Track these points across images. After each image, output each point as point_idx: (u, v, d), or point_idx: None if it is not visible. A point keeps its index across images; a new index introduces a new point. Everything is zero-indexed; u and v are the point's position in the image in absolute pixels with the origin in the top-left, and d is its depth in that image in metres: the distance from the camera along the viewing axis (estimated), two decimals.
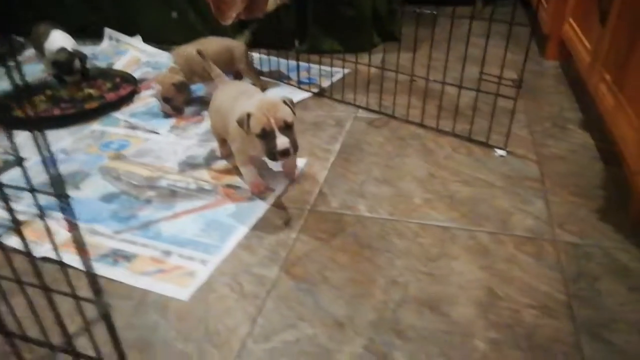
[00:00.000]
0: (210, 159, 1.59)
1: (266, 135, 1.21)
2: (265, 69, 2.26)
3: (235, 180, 1.48)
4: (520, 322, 0.99)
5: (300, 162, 1.56)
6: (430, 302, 1.04)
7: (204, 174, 1.51)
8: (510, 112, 1.54)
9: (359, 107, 1.92)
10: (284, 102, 1.26)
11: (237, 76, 2.04)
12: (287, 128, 1.22)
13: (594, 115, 1.79)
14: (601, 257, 1.14)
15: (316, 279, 1.11)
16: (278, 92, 2.02)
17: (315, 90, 2.07)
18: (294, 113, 1.26)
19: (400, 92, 1.86)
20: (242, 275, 1.12)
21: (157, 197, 1.41)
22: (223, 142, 1.55)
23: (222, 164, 1.57)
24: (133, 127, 1.83)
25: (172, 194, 1.42)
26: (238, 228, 1.27)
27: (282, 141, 1.20)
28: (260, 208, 1.35)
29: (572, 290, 1.06)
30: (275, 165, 1.50)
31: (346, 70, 2.15)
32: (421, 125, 1.76)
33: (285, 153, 1.21)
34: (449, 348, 0.94)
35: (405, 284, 1.09)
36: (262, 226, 1.29)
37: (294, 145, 1.23)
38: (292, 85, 2.14)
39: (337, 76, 2.17)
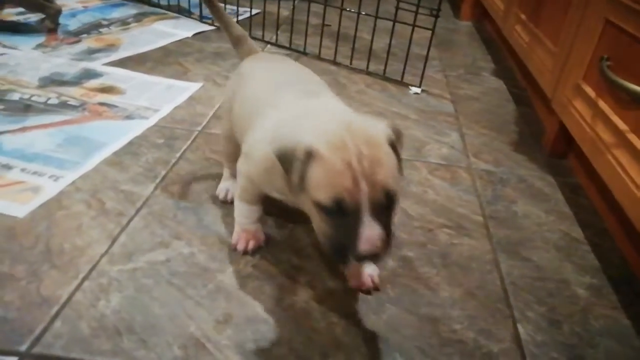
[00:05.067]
0: (83, 78, 1.32)
1: (341, 213, 0.55)
2: (163, 2, 1.99)
3: (111, 99, 1.22)
4: (435, 241, 0.86)
5: (196, 86, 1.34)
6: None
7: (71, 91, 1.24)
8: (425, 58, 1.44)
9: (267, 42, 1.73)
10: (391, 143, 0.58)
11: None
12: (386, 205, 0.56)
13: (506, 66, 1.76)
14: (517, 183, 1.06)
15: (202, 199, 0.91)
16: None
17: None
18: (399, 164, 0.59)
19: (312, 34, 1.70)
20: (105, 192, 0.89)
21: (4, 110, 1.12)
22: (234, 151, 0.83)
23: (97, 82, 1.30)
24: None
25: (25, 108, 1.14)
26: (107, 145, 1.03)
27: (371, 234, 0.54)
28: (139, 127, 1.11)
29: (489, 212, 0.96)
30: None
31: (255, 11, 1.95)
32: (334, 62, 1.61)
33: (371, 259, 0.57)
34: None
35: None
36: (139, 144, 1.05)
37: (390, 240, 0.57)
38: (193, 18, 1.90)
39: (246, 15, 1.96)
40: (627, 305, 0.77)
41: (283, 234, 0.84)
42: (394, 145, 0.58)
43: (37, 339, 0.61)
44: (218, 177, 0.95)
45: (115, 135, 1.07)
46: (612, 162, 0.82)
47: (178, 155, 1.03)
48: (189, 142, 1.08)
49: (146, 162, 0.99)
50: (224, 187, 0.92)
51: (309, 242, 0.83)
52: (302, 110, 0.64)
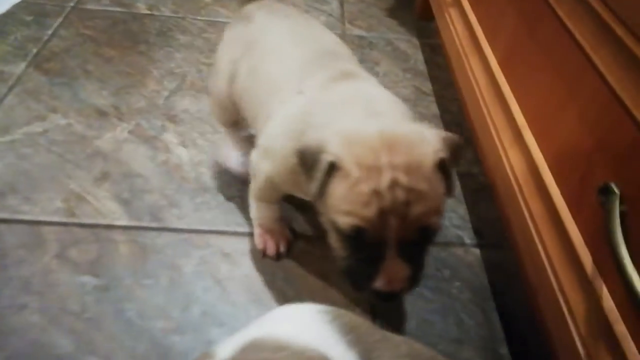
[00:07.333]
0: None
1: (361, 241, 0.47)
2: None
3: None
4: None
5: None
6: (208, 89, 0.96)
7: None
8: None
9: None
10: (441, 162, 0.47)
11: None
12: (420, 241, 0.48)
13: None
14: (384, 46, 1.17)
15: (76, 74, 0.94)
16: None
17: None
18: (450, 187, 0.48)
19: None
20: None
21: None
22: (231, 117, 0.76)
23: None
24: None
25: None
26: None
27: (392, 273, 0.47)
28: (4, 3, 1.07)
29: None
30: None
31: None
32: None
33: (388, 299, 0.49)
34: None
35: (183, 75, 0.98)
36: (5, 22, 1.03)
37: (417, 277, 0.49)
38: None
39: None
40: None
41: (160, 100, 0.91)
42: (445, 167, 0.46)
43: None
44: (94, 53, 0.98)
45: None
46: (448, 20, 0.93)
47: (50, 32, 1.02)
48: (60, 18, 1.07)
49: (15, 40, 0.98)
50: (235, 157, 0.78)
51: (181, 108, 0.90)
52: (335, 100, 0.53)
